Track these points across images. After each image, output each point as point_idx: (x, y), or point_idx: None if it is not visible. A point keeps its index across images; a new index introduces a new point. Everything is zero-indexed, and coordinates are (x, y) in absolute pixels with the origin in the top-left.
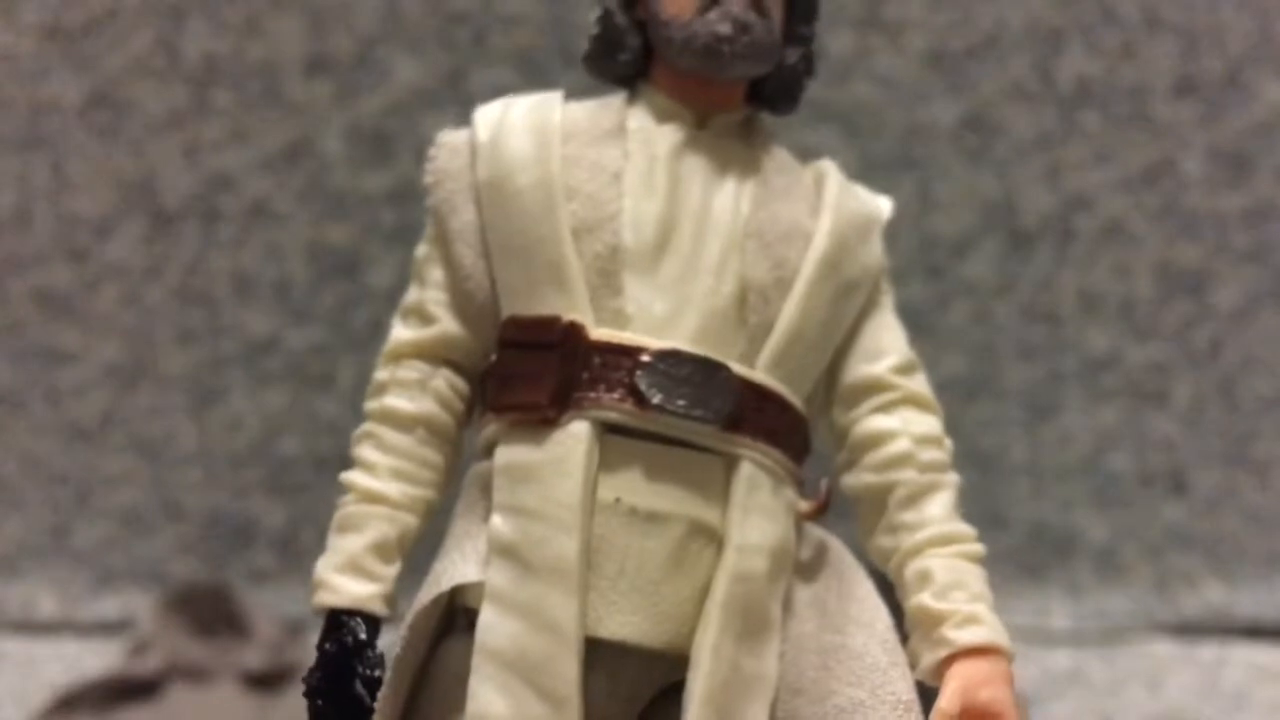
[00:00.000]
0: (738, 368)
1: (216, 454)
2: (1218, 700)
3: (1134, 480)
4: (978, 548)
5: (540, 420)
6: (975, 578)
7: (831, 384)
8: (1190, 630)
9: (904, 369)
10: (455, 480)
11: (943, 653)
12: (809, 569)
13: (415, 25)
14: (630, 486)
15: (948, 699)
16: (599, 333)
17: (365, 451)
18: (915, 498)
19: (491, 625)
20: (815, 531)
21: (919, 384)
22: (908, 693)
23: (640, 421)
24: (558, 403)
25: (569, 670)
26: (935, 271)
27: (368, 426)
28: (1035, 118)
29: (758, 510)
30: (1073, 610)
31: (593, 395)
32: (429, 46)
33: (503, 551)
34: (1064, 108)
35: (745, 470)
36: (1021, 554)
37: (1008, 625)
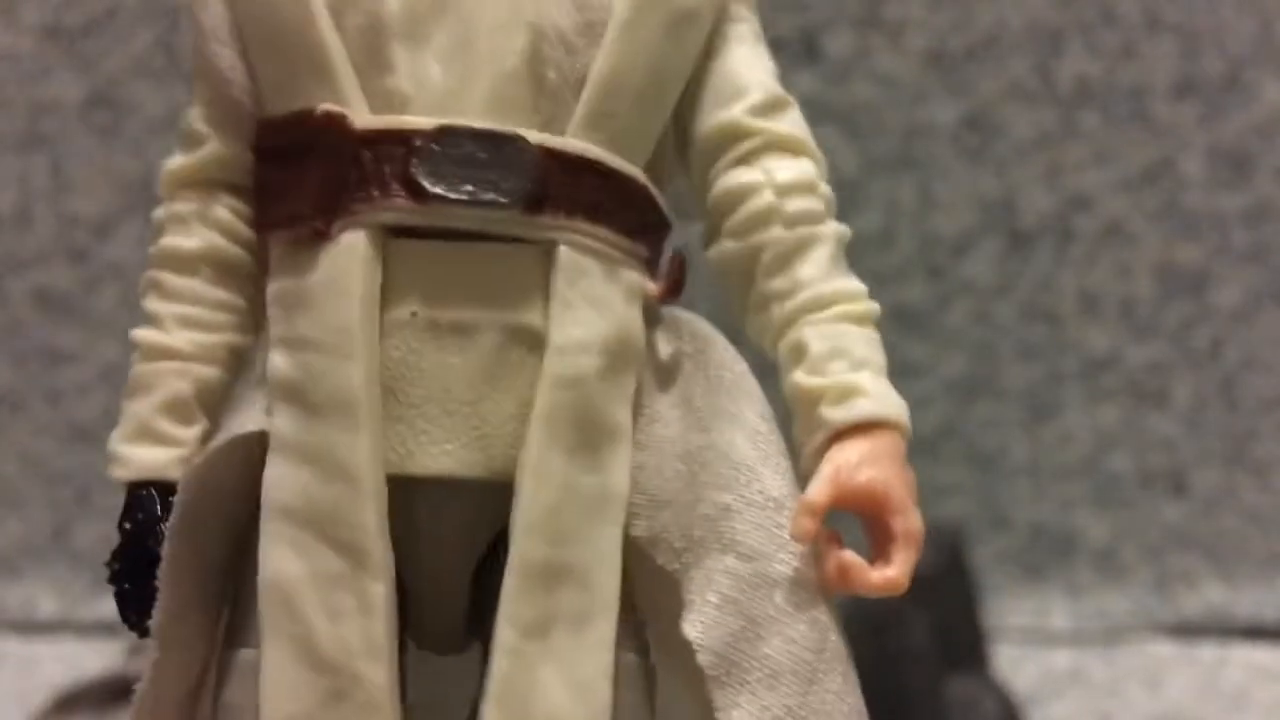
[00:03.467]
0: (535, 136)
1: None
2: (1218, 700)
3: (1134, 480)
4: (866, 305)
5: (310, 235)
6: (860, 341)
7: (684, 140)
8: (1190, 630)
9: (765, 109)
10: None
11: (820, 436)
12: (672, 364)
13: None
14: (427, 296)
15: (816, 488)
16: (365, 120)
17: (149, 303)
18: (785, 259)
19: (278, 478)
20: (681, 317)
21: (787, 124)
22: (779, 488)
23: (425, 218)
24: (325, 211)
25: (366, 518)
26: (935, 271)
27: (149, 274)
28: (1035, 118)
29: (583, 302)
30: (1073, 610)
31: (364, 196)
32: None
33: (284, 393)
34: (1064, 108)
35: (564, 256)
36: (1021, 554)
37: (1007, 625)
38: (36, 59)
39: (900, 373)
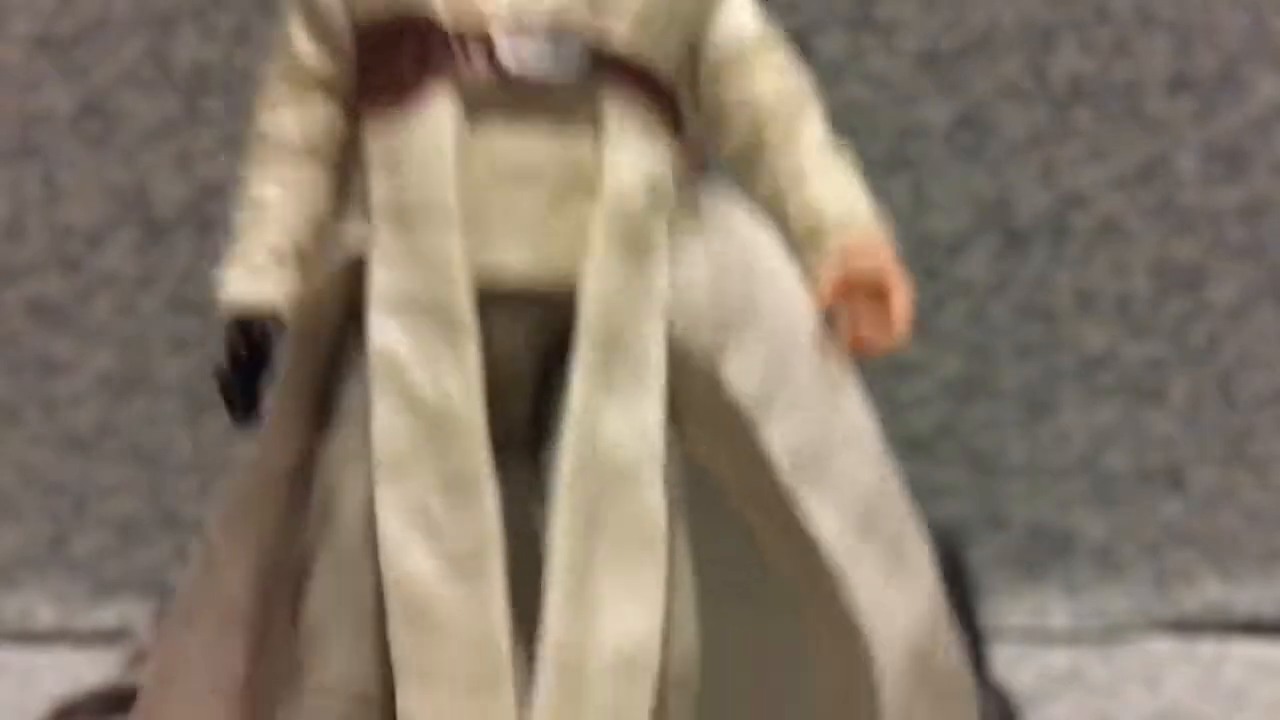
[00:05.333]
0: (591, 37)
1: (213, 463)
2: (1217, 697)
3: (1132, 478)
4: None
5: (402, 92)
6: (853, 182)
7: (695, 64)
8: (1189, 627)
9: (764, 41)
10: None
11: (826, 245)
12: (694, 211)
13: None
14: (500, 145)
15: (828, 264)
16: (448, 17)
17: (253, 173)
18: (788, 133)
19: (381, 278)
20: (701, 182)
21: (781, 54)
22: (796, 280)
23: (503, 91)
24: (420, 79)
25: (461, 300)
26: (930, 271)
27: (254, 155)
28: (1029, 116)
29: (629, 146)
30: (1071, 609)
31: (453, 71)
32: None
33: (386, 216)
34: (1057, 106)
35: (612, 106)
36: (1019, 553)
37: (1005, 625)
38: (27, 69)
39: (896, 373)
